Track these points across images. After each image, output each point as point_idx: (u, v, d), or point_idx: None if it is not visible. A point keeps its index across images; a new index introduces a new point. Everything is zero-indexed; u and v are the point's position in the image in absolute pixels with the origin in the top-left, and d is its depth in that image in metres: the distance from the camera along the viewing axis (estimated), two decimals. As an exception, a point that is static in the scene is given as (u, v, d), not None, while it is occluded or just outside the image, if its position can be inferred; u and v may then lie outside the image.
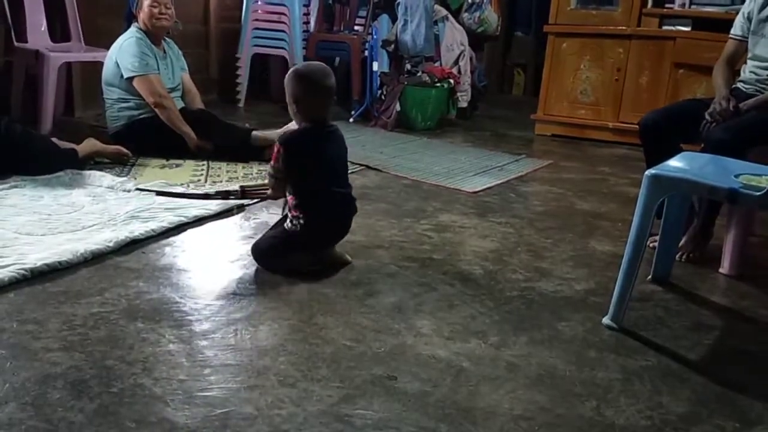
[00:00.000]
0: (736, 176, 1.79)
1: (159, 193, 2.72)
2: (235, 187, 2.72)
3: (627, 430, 1.42)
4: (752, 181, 1.74)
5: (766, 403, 1.54)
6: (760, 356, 1.79)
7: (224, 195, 2.65)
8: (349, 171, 3.35)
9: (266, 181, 2.27)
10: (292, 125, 2.38)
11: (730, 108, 2.36)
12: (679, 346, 1.79)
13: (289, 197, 2.14)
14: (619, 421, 1.44)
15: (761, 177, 1.76)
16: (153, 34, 3.44)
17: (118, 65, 3.37)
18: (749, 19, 2.58)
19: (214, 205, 2.61)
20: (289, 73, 2.16)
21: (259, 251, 2.15)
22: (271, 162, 2.12)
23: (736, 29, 2.63)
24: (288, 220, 2.15)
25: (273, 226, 2.25)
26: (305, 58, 5.24)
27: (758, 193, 1.67)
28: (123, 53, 3.36)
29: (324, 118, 2.17)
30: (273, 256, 2.14)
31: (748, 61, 2.59)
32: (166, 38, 3.58)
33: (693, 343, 1.82)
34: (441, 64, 5.07)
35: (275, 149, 2.10)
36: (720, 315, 2.03)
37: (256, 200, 2.70)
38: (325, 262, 2.16)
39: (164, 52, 3.54)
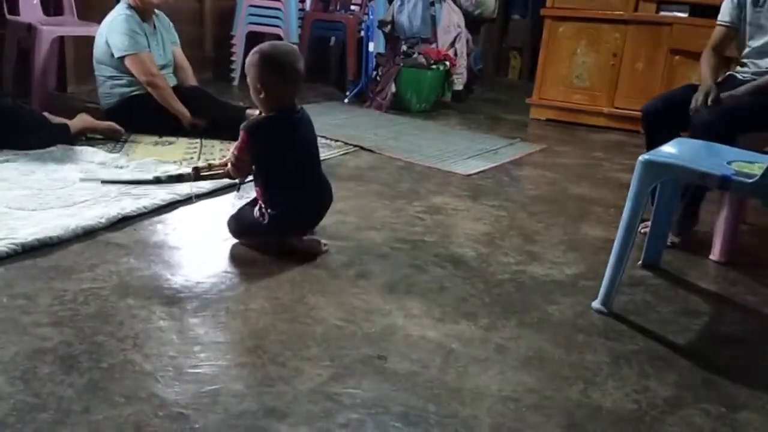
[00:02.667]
0: (729, 163, 1.79)
1: (104, 182, 2.53)
2: (187, 169, 2.47)
3: (614, 412, 1.43)
4: (745, 168, 1.74)
5: (751, 388, 1.56)
6: (747, 342, 1.81)
7: (176, 179, 2.54)
8: (344, 152, 3.39)
9: (222, 161, 2.23)
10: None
11: (710, 100, 2.32)
12: (667, 331, 1.80)
13: (257, 188, 2.10)
14: (606, 403, 1.46)
15: (754, 164, 1.77)
16: (142, 11, 3.39)
17: (108, 44, 3.33)
18: (739, 6, 2.51)
19: (207, 184, 2.60)
20: (252, 55, 2.01)
21: (231, 226, 2.14)
22: (233, 150, 2.05)
23: (725, 16, 2.56)
24: (257, 208, 2.09)
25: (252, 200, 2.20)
26: (301, 37, 5.21)
27: (750, 180, 1.68)
28: (112, 32, 3.32)
29: (289, 103, 2.05)
30: (242, 234, 2.13)
31: (746, 51, 2.55)
32: (157, 12, 3.53)
33: (681, 328, 1.83)
34: (437, 46, 5.05)
35: (240, 137, 2.01)
36: (709, 301, 2.04)
37: (210, 183, 2.51)
38: (295, 247, 2.08)
39: (154, 27, 3.49)
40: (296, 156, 2.07)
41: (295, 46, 2.14)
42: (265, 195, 2.07)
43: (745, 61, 2.55)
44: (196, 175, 2.29)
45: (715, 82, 2.43)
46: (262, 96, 2.01)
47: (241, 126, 2.05)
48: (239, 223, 2.12)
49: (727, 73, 2.57)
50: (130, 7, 3.36)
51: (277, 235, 2.09)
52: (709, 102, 2.30)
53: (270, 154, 2.02)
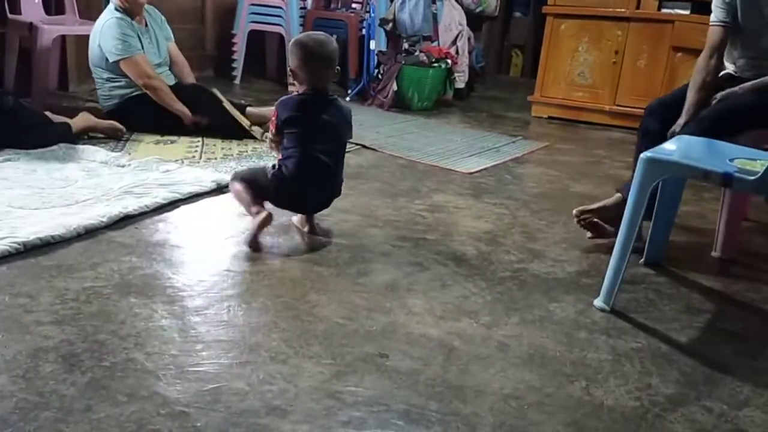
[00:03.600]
0: (731, 160, 1.79)
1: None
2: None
3: (615, 410, 1.43)
4: (747, 165, 1.74)
5: (753, 386, 1.56)
6: (749, 339, 1.81)
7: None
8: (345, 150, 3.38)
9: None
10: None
11: (676, 131, 2.29)
12: (669, 329, 1.80)
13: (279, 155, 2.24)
14: (608, 401, 1.46)
15: (756, 161, 1.76)
16: (131, 10, 3.35)
17: (101, 49, 3.31)
18: (732, 3, 2.41)
19: (209, 182, 2.61)
20: (291, 42, 2.21)
21: (235, 172, 2.29)
22: (270, 125, 2.23)
23: (720, 15, 2.44)
24: (271, 166, 2.24)
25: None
26: (302, 36, 5.20)
27: (753, 178, 1.67)
28: (104, 36, 3.28)
29: (323, 87, 2.18)
30: (241, 178, 2.22)
31: (743, 53, 2.48)
32: (147, 8, 3.46)
33: (683, 326, 1.83)
34: (439, 44, 5.04)
35: (273, 111, 2.19)
36: (711, 298, 2.04)
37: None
38: (252, 214, 2.16)
39: (146, 25, 3.45)
40: (312, 133, 2.15)
41: (331, 37, 2.24)
42: (280, 159, 2.20)
43: (738, 61, 2.51)
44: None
45: (704, 100, 2.37)
46: (295, 78, 2.20)
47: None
48: (248, 169, 2.27)
49: (726, 72, 2.54)
50: (118, 8, 3.31)
51: (272, 200, 2.20)
52: (677, 132, 2.28)
53: (289, 122, 2.15)
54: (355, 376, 1.46)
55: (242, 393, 1.37)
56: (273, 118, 2.19)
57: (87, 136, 3.15)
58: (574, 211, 2.39)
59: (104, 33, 3.29)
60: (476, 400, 1.42)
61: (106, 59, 3.31)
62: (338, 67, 2.22)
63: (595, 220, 2.36)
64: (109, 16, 3.31)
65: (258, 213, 2.13)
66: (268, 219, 2.13)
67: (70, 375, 1.38)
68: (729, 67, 2.54)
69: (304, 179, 2.16)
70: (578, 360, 1.61)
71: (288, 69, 2.21)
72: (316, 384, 1.42)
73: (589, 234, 2.38)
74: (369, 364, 1.52)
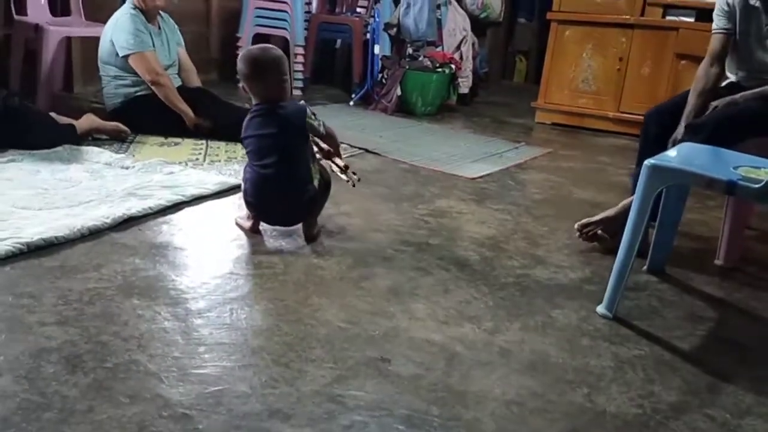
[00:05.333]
0: (735, 168, 1.79)
1: None
2: None
3: (618, 417, 1.43)
4: (751, 173, 1.74)
5: (756, 395, 1.55)
6: (752, 347, 1.80)
7: None
8: (349, 154, 3.39)
9: None
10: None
11: (675, 141, 2.28)
12: (672, 336, 1.80)
13: None
14: (610, 408, 1.45)
15: (760, 169, 1.76)
16: (147, 11, 3.41)
17: (113, 43, 3.35)
18: (732, 12, 2.41)
19: (212, 185, 2.61)
20: (240, 56, 2.23)
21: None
22: None
23: (721, 23, 2.44)
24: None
25: None
26: (307, 40, 5.22)
27: (757, 186, 1.67)
28: (118, 31, 3.33)
29: (276, 98, 2.18)
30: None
31: (740, 64, 2.47)
32: (161, 13, 3.54)
33: (686, 333, 1.83)
34: (443, 49, 5.05)
35: None
36: (713, 306, 2.04)
37: None
38: (240, 226, 2.28)
39: (159, 28, 3.51)
40: (264, 146, 2.17)
41: (276, 48, 2.26)
42: (245, 167, 2.26)
43: (738, 73, 2.50)
44: None
45: (705, 105, 2.37)
46: (246, 90, 2.26)
47: None
48: (244, 172, 2.28)
49: (729, 80, 2.55)
50: (135, 7, 3.38)
51: (246, 206, 2.25)
52: (678, 137, 2.27)
53: (246, 138, 2.21)
54: (357, 380, 1.46)
55: (244, 396, 1.37)
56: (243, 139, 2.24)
57: (91, 137, 3.16)
58: (576, 225, 2.39)
59: (118, 27, 3.34)
60: (478, 405, 1.42)
61: (116, 54, 3.34)
62: (287, 78, 2.21)
63: (598, 232, 2.35)
64: (124, 12, 3.37)
65: (248, 218, 2.26)
66: (251, 230, 2.25)
67: (72, 376, 1.38)
68: (731, 77, 2.54)
69: (260, 197, 2.18)
70: (580, 367, 1.61)
71: (240, 85, 2.22)
72: (318, 388, 1.42)
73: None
74: (371, 368, 1.52)
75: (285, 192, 2.18)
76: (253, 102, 2.22)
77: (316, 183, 2.22)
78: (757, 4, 2.38)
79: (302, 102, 2.29)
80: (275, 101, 2.18)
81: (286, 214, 2.24)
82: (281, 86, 2.18)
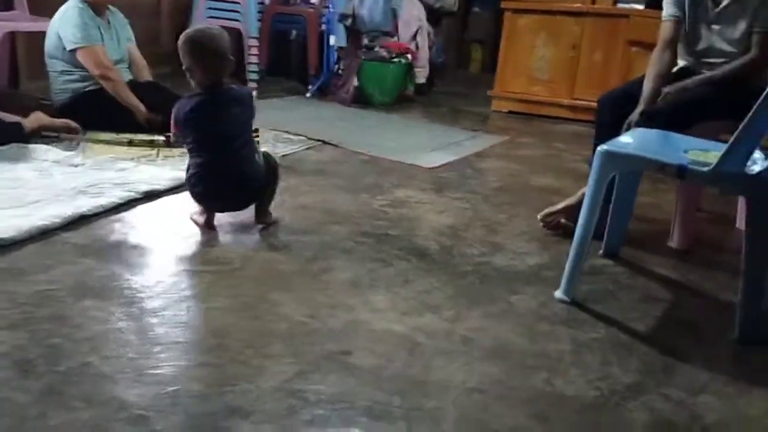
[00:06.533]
0: (685, 152, 1.83)
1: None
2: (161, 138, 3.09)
3: (576, 400, 1.44)
4: (700, 157, 1.77)
5: (710, 372, 1.59)
6: (705, 327, 1.85)
7: (149, 143, 3.04)
8: (306, 146, 3.36)
9: None
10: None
11: (632, 123, 2.31)
12: (628, 318, 1.83)
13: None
14: (569, 391, 1.47)
15: (709, 152, 1.80)
16: (95, 5, 3.32)
17: (59, 37, 3.25)
18: (681, 1, 2.44)
19: (166, 181, 2.56)
20: (180, 39, 2.15)
21: None
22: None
23: (671, 10, 2.48)
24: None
25: None
26: (261, 32, 5.15)
27: (706, 169, 1.70)
28: (64, 24, 3.24)
29: (215, 82, 2.14)
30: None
31: (688, 50, 2.51)
32: (110, 8, 3.46)
33: (641, 315, 1.86)
34: (398, 39, 5.04)
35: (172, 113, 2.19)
36: (668, 287, 2.08)
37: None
38: (193, 221, 2.23)
39: (108, 22, 3.42)
40: (209, 130, 2.14)
41: (219, 30, 2.21)
42: (189, 161, 2.21)
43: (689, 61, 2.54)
44: (167, 142, 2.94)
45: (660, 89, 2.40)
46: (191, 77, 2.15)
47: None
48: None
49: (681, 65, 2.59)
50: (83, 0, 3.28)
51: (194, 200, 2.21)
52: (633, 120, 2.30)
53: (185, 125, 2.15)
54: (317, 374, 1.45)
55: (202, 395, 1.34)
56: (171, 121, 2.18)
57: (40, 135, 3.06)
58: (539, 216, 2.42)
59: (64, 20, 3.25)
60: (440, 394, 1.42)
61: (63, 48, 3.25)
62: (232, 57, 2.18)
63: (561, 220, 2.38)
64: (71, 5, 3.27)
65: (201, 214, 2.21)
66: (206, 225, 2.21)
67: (24, 381, 1.34)
68: (681, 62, 2.59)
69: (208, 182, 2.15)
70: (540, 352, 1.63)
71: (183, 68, 2.15)
72: (278, 384, 1.40)
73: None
74: (332, 362, 1.50)
75: (230, 173, 2.15)
76: (195, 87, 2.16)
77: (261, 161, 2.23)
78: None
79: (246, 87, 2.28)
80: (218, 84, 2.14)
81: (234, 196, 2.21)
82: (223, 67, 2.14)
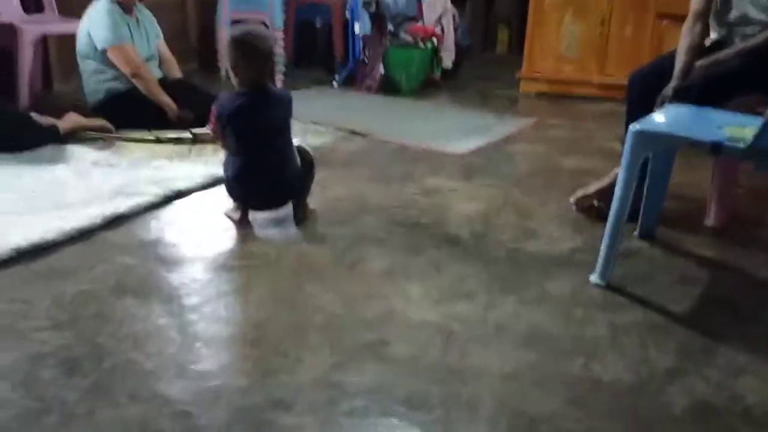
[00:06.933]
0: (720, 128, 1.79)
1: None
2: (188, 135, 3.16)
3: (614, 385, 1.44)
4: (737, 133, 1.74)
5: (749, 353, 1.57)
6: (743, 306, 1.82)
7: (175, 141, 3.11)
8: (336, 137, 3.37)
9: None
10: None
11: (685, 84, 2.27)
12: (665, 300, 1.81)
13: None
14: (606, 376, 1.47)
15: (745, 128, 1.76)
16: (124, 3, 3.36)
17: (90, 37, 3.31)
18: None
19: (200, 178, 2.60)
20: (228, 39, 2.21)
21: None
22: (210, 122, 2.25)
23: None
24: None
25: None
26: (285, 22, 5.16)
27: (742, 145, 1.67)
28: (94, 24, 3.29)
29: (259, 83, 2.17)
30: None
31: (720, 21, 2.47)
32: (138, 5, 3.50)
33: (679, 297, 1.84)
34: (423, 24, 5.00)
35: (211, 110, 2.21)
36: (705, 267, 2.05)
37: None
38: (231, 219, 2.25)
39: (137, 20, 3.46)
40: (252, 131, 2.16)
41: (266, 31, 2.24)
42: (225, 159, 2.25)
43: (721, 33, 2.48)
44: (194, 138, 3.04)
45: (693, 62, 2.34)
46: (233, 75, 2.19)
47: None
48: (224, 164, 2.28)
49: (714, 38, 2.53)
50: (111, 0, 3.33)
51: (231, 198, 2.25)
52: (666, 101, 2.25)
53: (229, 125, 2.16)
54: (355, 365, 1.47)
55: (244, 389, 1.37)
56: (211, 117, 2.20)
57: (76, 136, 3.13)
58: (571, 199, 2.40)
59: (95, 20, 3.30)
60: (476, 381, 1.43)
61: (95, 48, 3.30)
62: (275, 60, 2.23)
63: (594, 202, 2.36)
64: (100, 5, 3.31)
65: (236, 210, 2.24)
66: (240, 221, 2.23)
67: (70, 379, 1.38)
68: (713, 35, 2.53)
69: (248, 182, 2.18)
70: (576, 336, 1.62)
71: (226, 67, 2.17)
72: (318, 375, 1.43)
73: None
74: (369, 352, 1.52)
75: (271, 173, 2.18)
76: (238, 87, 2.19)
77: (298, 161, 2.25)
78: None
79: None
80: (261, 85, 2.17)
81: (274, 196, 2.25)
82: (267, 68, 2.19)
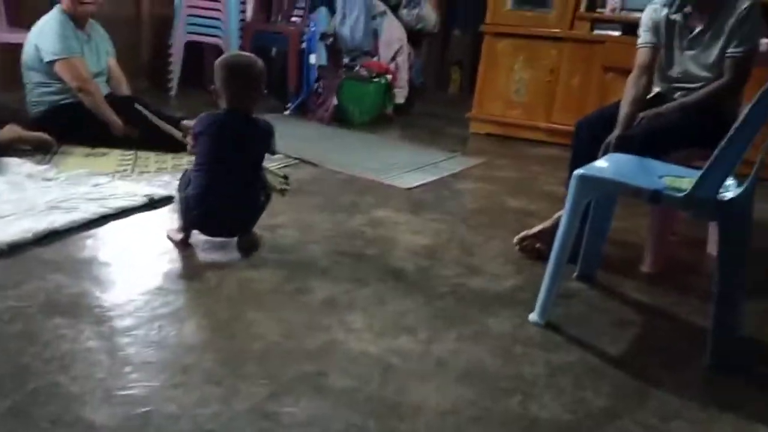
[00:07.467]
0: (660, 177, 1.85)
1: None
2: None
3: (551, 423, 1.45)
4: (675, 183, 1.80)
5: (681, 398, 1.60)
6: (676, 352, 1.86)
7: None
8: (283, 164, 3.35)
9: None
10: None
11: (609, 146, 2.32)
12: (601, 342, 1.84)
13: None
14: (543, 415, 1.47)
15: (684, 178, 1.83)
16: (77, 17, 3.30)
17: (38, 48, 3.22)
18: (657, 27, 2.50)
19: (141, 197, 2.54)
20: (216, 61, 2.19)
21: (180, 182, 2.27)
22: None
23: (647, 37, 2.53)
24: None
25: None
26: (241, 48, 5.15)
27: (680, 195, 1.73)
28: (44, 36, 3.22)
29: (243, 108, 2.16)
30: (179, 191, 2.26)
31: (662, 76, 2.56)
32: (92, 21, 3.44)
33: (614, 339, 1.87)
34: (379, 59, 5.07)
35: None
36: (640, 312, 2.10)
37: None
38: (170, 238, 2.22)
39: (88, 35, 3.40)
40: (220, 148, 2.14)
41: (257, 59, 2.23)
42: (184, 176, 2.25)
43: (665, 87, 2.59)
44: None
45: (636, 113, 2.44)
46: (216, 97, 2.18)
47: None
48: (181, 181, 2.26)
49: (656, 91, 2.64)
50: (63, 12, 3.26)
51: (182, 217, 2.20)
52: (610, 149, 2.32)
53: (200, 136, 2.15)
54: (292, 396, 1.44)
55: (174, 416, 1.32)
56: (191, 133, 2.22)
57: (13, 148, 3.02)
58: (515, 239, 2.44)
59: (44, 32, 3.22)
60: (414, 416, 1.41)
61: (41, 60, 3.21)
62: (266, 90, 2.21)
63: (537, 245, 2.40)
64: (51, 17, 3.25)
65: (179, 231, 2.20)
66: (182, 243, 2.19)
67: (-12, 401, 1.31)
68: (656, 88, 2.64)
69: (205, 201, 2.12)
70: (514, 374, 1.63)
71: (211, 87, 2.18)
72: (252, 405, 1.39)
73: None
74: (306, 383, 1.49)
75: (228, 199, 2.14)
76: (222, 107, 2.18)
77: (260, 198, 2.24)
78: (678, 17, 2.48)
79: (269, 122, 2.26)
80: (244, 110, 2.16)
81: (233, 224, 2.20)
82: (252, 93, 2.17)
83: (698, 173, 1.72)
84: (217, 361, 1.53)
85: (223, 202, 2.14)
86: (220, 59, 2.19)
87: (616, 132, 2.39)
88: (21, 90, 3.46)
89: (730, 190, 1.80)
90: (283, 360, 1.57)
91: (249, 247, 2.20)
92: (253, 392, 1.43)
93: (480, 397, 1.51)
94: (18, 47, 3.42)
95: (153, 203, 2.54)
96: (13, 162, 2.81)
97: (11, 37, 3.80)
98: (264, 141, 2.21)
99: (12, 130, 3.04)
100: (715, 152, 1.65)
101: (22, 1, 4.04)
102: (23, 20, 3.79)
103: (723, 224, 1.77)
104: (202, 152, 2.15)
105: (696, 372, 1.76)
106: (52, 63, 3.21)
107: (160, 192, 2.62)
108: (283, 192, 2.90)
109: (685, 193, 1.72)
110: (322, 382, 1.50)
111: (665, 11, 2.51)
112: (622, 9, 4.44)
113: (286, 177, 3.07)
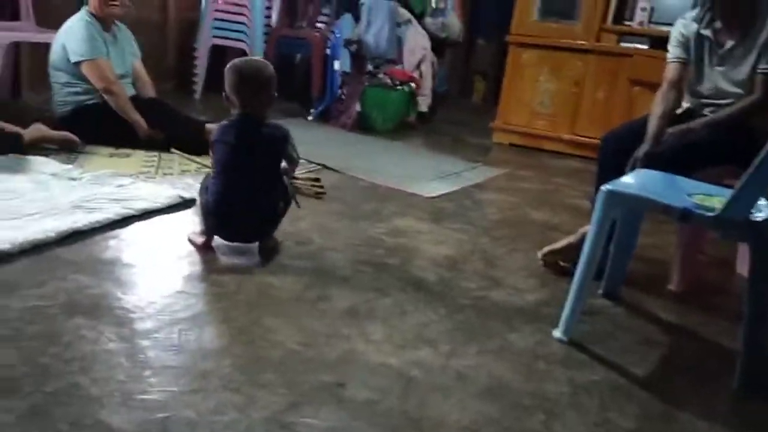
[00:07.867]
0: (690, 195, 1.81)
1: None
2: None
3: (574, 445, 1.41)
4: (705, 201, 1.76)
5: (708, 421, 1.56)
6: (704, 373, 1.82)
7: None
8: (307, 170, 3.34)
9: None
10: None
11: (638, 161, 2.29)
12: (626, 362, 1.80)
13: None
14: (566, 435, 1.44)
15: (713, 197, 1.79)
16: (103, 19, 3.33)
17: (65, 49, 3.26)
18: (686, 42, 2.47)
19: (164, 199, 2.54)
20: (227, 66, 2.17)
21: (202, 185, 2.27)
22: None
23: (677, 52, 2.50)
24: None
25: None
26: (265, 53, 5.17)
27: (711, 214, 1.69)
28: (71, 37, 3.25)
29: (254, 113, 2.15)
30: (200, 194, 2.26)
31: (692, 92, 2.51)
32: (118, 23, 3.48)
33: (640, 359, 1.83)
34: (403, 67, 5.06)
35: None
36: (666, 331, 2.06)
37: None
38: (192, 242, 2.21)
39: (114, 37, 3.43)
40: (233, 154, 2.12)
41: (267, 63, 2.22)
42: (204, 181, 2.25)
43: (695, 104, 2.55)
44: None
45: (665, 129, 2.39)
46: (228, 103, 2.16)
47: None
48: (202, 185, 2.25)
49: (686, 107, 2.60)
50: (90, 14, 3.30)
51: (203, 222, 2.19)
52: (638, 164, 2.28)
53: (215, 144, 2.16)
54: (310, 406, 1.42)
55: (191, 423, 1.31)
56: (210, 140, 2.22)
57: (38, 147, 3.05)
58: (539, 254, 2.40)
59: (71, 33, 3.26)
60: (434, 432, 1.39)
61: (68, 60, 3.25)
62: (275, 93, 2.19)
63: (560, 263, 2.36)
64: (79, 18, 3.29)
65: (201, 234, 2.19)
66: (203, 247, 2.18)
67: (8, 401, 1.30)
68: (685, 104, 2.59)
69: (221, 207, 2.12)
70: (537, 392, 1.60)
71: (223, 93, 2.16)
72: (269, 414, 1.37)
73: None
74: (325, 393, 1.47)
75: (243, 204, 2.13)
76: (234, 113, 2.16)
77: (282, 202, 2.22)
78: (708, 33, 2.44)
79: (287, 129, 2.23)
80: (256, 114, 2.15)
81: (250, 230, 2.19)
82: (264, 99, 2.15)
83: (728, 192, 1.69)
84: (235, 368, 1.52)
85: (238, 209, 2.13)
86: (229, 65, 2.16)
87: (644, 147, 2.35)
88: (47, 90, 3.49)
89: (762, 210, 1.76)
90: (301, 369, 1.56)
91: (268, 252, 2.19)
92: (271, 401, 1.41)
93: (502, 415, 1.48)
94: (45, 47, 3.46)
95: (176, 205, 2.54)
96: (38, 161, 2.83)
97: (39, 37, 3.83)
98: (277, 146, 2.18)
99: (37, 129, 3.06)
100: (748, 172, 1.61)
101: (50, 2, 4.08)
102: (51, 21, 3.83)
103: (755, 245, 1.73)
104: (218, 160, 2.15)
105: (724, 394, 1.72)
106: (78, 64, 3.24)
107: (183, 194, 2.62)
108: (319, 196, 2.89)
109: (716, 212, 1.69)
110: (341, 393, 1.48)
111: (695, 26, 2.47)
112: (650, 22, 4.39)
113: (318, 179, 3.06)
